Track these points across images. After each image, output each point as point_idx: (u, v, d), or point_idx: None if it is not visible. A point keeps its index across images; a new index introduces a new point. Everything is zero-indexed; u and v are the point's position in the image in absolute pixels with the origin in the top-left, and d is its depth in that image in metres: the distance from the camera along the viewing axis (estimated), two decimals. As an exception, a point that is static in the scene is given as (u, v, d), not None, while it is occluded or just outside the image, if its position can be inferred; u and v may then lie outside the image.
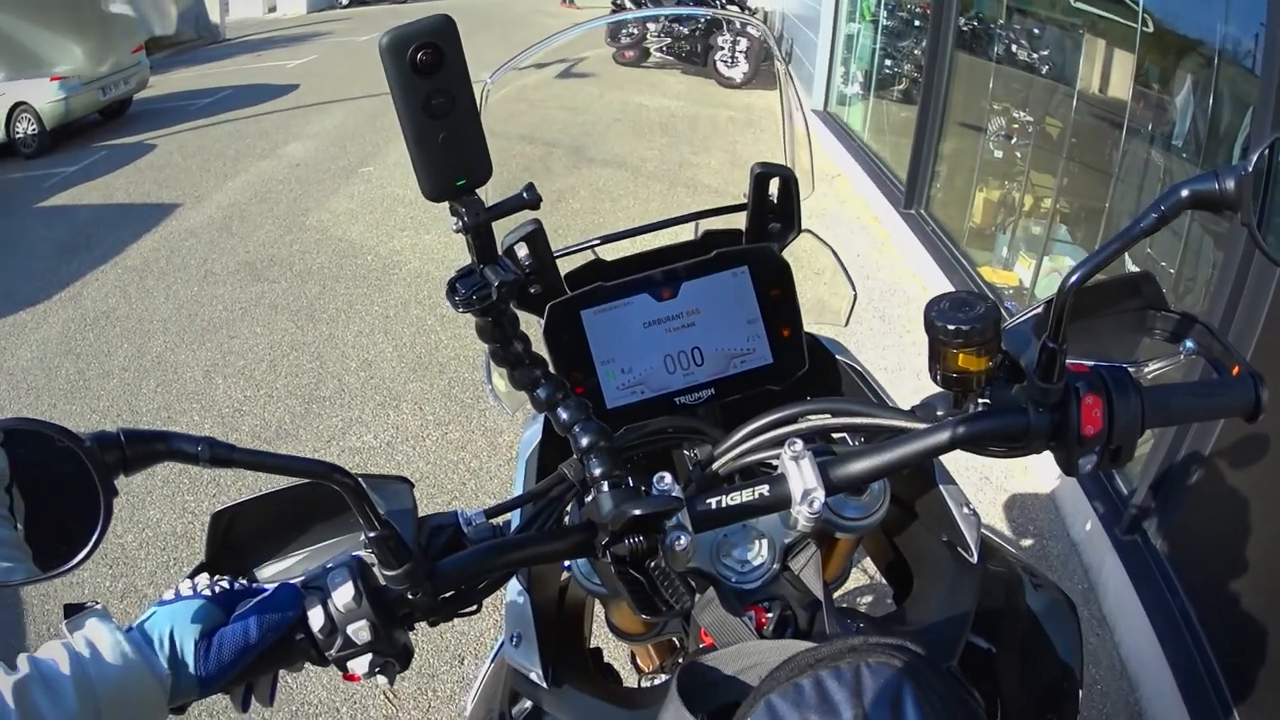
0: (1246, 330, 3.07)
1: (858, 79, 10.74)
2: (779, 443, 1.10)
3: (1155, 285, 1.26)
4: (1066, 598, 1.45)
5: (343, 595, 0.92)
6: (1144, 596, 3.40)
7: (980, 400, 1.07)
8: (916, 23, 8.79)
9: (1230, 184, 0.90)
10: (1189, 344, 1.19)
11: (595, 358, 1.34)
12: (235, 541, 1.14)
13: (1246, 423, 1.06)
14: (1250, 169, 0.90)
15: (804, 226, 1.53)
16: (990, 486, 4.43)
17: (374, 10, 24.28)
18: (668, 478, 1.02)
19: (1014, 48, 6.38)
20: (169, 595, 0.95)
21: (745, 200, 1.52)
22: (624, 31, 14.75)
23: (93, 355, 6.03)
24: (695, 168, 9.38)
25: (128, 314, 6.49)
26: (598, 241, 1.52)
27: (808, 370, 1.47)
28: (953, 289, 1.15)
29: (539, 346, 1.13)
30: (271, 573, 1.15)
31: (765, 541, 1.22)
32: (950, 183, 7.28)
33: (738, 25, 13.85)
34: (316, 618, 0.93)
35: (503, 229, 1.32)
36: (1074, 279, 0.93)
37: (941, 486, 1.36)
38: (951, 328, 1.00)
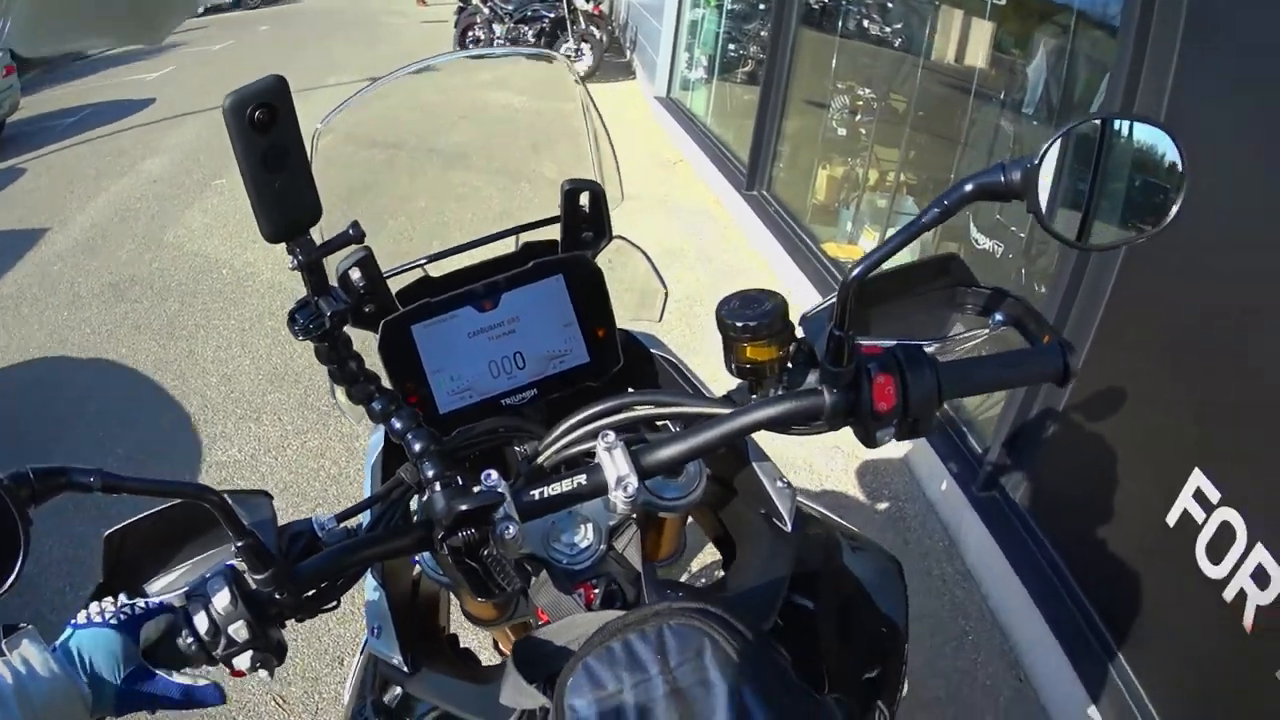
0: (1090, 305, 3.18)
1: (702, 64, 10.81)
2: (595, 435, 1.16)
3: (962, 264, 1.33)
4: (891, 558, 1.56)
5: (221, 600, 1.01)
6: (1007, 549, 3.49)
7: (781, 385, 1.17)
8: (761, 4, 8.84)
9: (1017, 176, 0.96)
10: (998, 316, 1.26)
11: (426, 368, 1.43)
12: (127, 559, 1.20)
13: (1057, 386, 1.14)
14: (1038, 161, 0.95)
15: (615, 233, 1.61)
16: (841, 455, 4.52)
17: (228, 17, 23.78)
18: (493, 474, 1.09)
19: (860, 22, 6.43)
20: (82, 619, 1.02)
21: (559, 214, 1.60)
22: (470, 34, 14.80)
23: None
24: (540, 161, 9.33)
25: (7, 344, 6.29)
26: (425, 261, 1.58)
27: (625, 365, 1.59)
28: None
29: (376, 362, 1.29)
30: (161, 585, 1.21)
31: (590, 525, 1.31)
32: (793, 162, 7.33)
33: (582, 24, 13.98)
34: (201, 622, 1.02)
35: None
36: (854, 273, 0.99)
37: (755, 464, 1.46)
38: (740, 324, 1.13)
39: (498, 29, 14.44)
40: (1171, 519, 2.63)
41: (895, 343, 1.12)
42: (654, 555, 1.50)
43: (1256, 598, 2.30)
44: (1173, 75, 2.81)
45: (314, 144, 1.46)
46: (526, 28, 14.20)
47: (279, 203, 0.91)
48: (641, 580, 1.28)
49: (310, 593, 1.10)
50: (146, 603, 1.05)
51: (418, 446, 1.09)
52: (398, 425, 1.10)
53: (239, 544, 0.99)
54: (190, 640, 1.02)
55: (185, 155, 10.60)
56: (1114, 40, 3.30)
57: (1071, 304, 3.26)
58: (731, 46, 9.78)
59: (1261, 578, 2.29)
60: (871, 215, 5.94)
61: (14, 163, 11.24)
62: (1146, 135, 1.11)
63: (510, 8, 14.39)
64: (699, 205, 8.21)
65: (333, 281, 1.04)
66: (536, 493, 1.11)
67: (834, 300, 1.12)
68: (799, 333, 1.20)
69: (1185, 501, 2.59)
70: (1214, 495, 2.48)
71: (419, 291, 1.53)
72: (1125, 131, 1.11)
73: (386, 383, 1.26)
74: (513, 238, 1.67)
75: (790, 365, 1.19)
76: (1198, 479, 2.54)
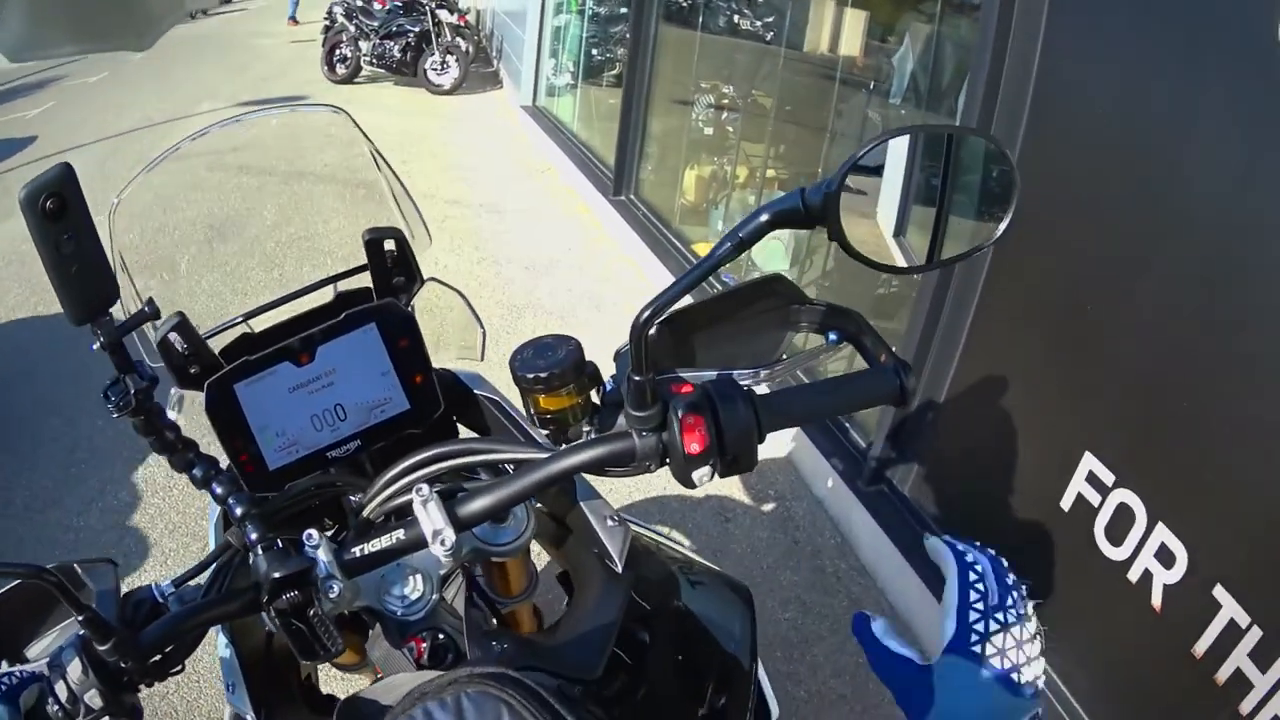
0: (965, 294, 3.21)
1: (567, 70, 10.82)
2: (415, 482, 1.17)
3: (789, 282, 1.29)
4: (737, 587, 1.59)
5: (74, 670, 1.01)
6: (899, 542, 3.52)
7: (593, 426, 1.22)
8: (623, 9, 8.85)
9: (817, 201, 0.93)
10: (833, 335, 1.24)
11: (252, 425, 1.36)
12: (5, 624, 1.20)
13: (895, 408, 1.15)
14: (836, 186, 0.92)
15: (428, 276, 1.61)
16: None
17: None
18: (314, 534, 1.08)
19: (722, 17, 6.40)
20: None
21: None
22: (337, 52, 14.71)
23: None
24: (406, 175, 9.22)
25: None
26: (240, 319, 1.55)
27: (450, 407, 1.56)
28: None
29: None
30: (39, 649, 1.22)
31: (419, 576, 1.29)
32: (660, 164, 7.33)
33: (447, 36, 13.92)
34: (61, 690, 1.01)
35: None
36: (645, 315, 0.96)
37: (582, 502, 1.44)
38: (530, 376, 1.19)
39: (364, 45, 14.37)
40: (1066, 503, 2.64)
41: (715, 374, 1.13)
42: (506, 592, 1.48)
43: (1163, 576, 2.31)
44: (1038, 61, 2.81)
45: (110, 223, 1.44)
46: (392, 43, 14.10)
47: (78, 286, 0.96)
48: (478, 631, 1.29)
49: (156, 658, 1.09)
50: (20, 671, 1.04)
51: (238, 511, 1.12)
52: (218, 490, 1.15)
53: (79, 618, 0.99)
54: (56, 709, 1.02)
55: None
56: (979, 24, 3.28)
57: (945, 294, 3.26)
58: (595, 51, 9.79)
59: (1166, 557, 2.30)
60: (742, 213, 5.78)
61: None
62: (972, 144, 1.18)
63: (375, 24, 14.28)
64: (568, 214, 8.20)
65: (145, 354, 1.12)
66: (358, 550, 1.09)
67: (651, 333, 1.10)
68: (611, 370, 1.24)
69: (1079, 485, 2.59)
70: (1108, 478, 2.49)
71: (242, 349, 1.49)
72: (943, 143, 1.17)
73: (217, 444, 1.30)
74: (329, 290, 1.64)
75: (602, 405, 1.24)
76: (1090, 462, 2.55)
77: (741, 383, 1.06)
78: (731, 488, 4.35)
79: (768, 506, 4.22)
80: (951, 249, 1.11)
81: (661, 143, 7.29)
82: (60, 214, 0.91)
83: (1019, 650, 0.89)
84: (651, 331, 1.00)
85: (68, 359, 5.94)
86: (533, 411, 1.23)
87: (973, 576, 0.95)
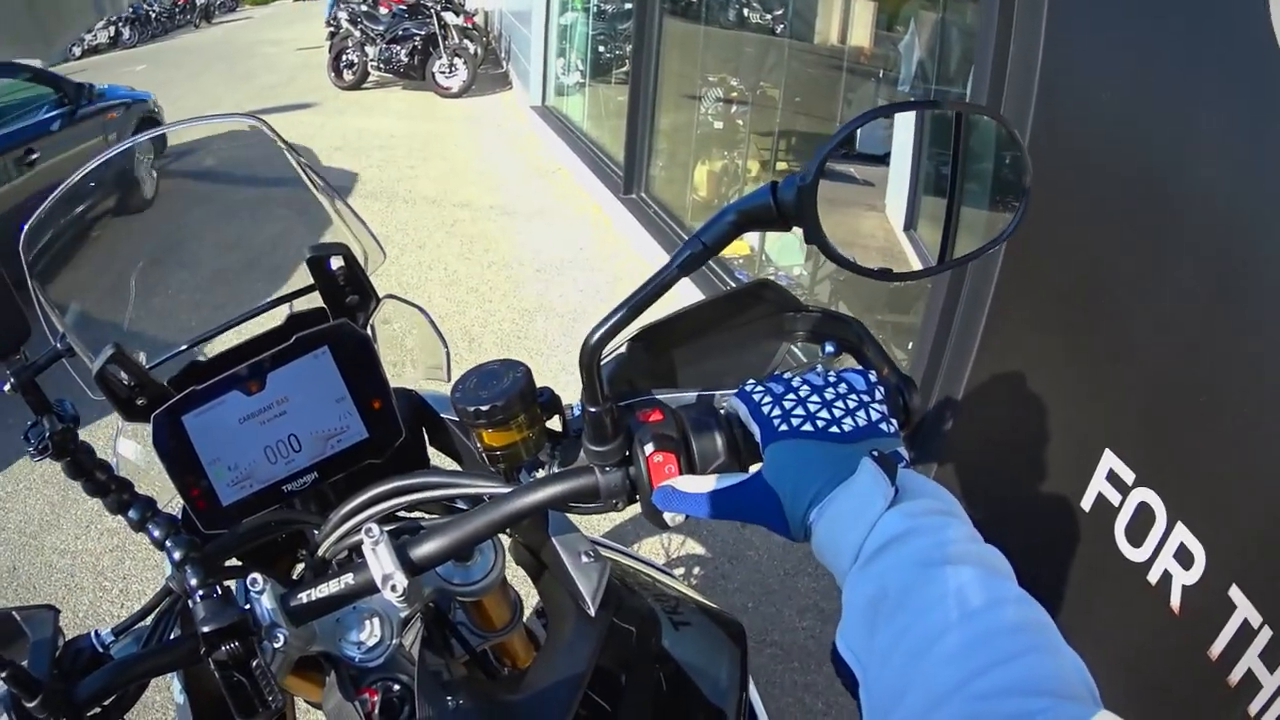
0: (980, 288, 3.15)
1: (576, 68, 10.83)
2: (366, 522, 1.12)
3: (779, 288, 1.17)
4: (727, 623, 1.50)
5: None
6: None
7: (554, 460, 1.11)
8: (628, 5, 8.78)
9: (790, 198, 0.84)
10: (830, 346, 1.13)
11: (203, 459, 1.28)
12: None
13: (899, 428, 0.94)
14: (811, 178, 0.82)
15: (384, 294, 1.49)
16: None
17: (106, 58, 23.19)
18: (259, 579, 1.03)
19: (725, 11, 6.36)
20: None
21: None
22: (343, 59, 14.75)
23: None
24: (414, 180, 9.24)
25: None
26: (185, 346, 1.46)
27: (419, 431, 1.51)
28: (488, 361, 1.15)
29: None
30: None
31: (378, 620, 1.21)
32: (671, 160, 7.31)
33: (455, 39, 13.93)
34: None
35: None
36: (594, 339, 0.89)
37: (554, 537, 1.36)
38: (472, 409, 1.05)
39: (370, 51, 14.45)
40: (1087, 503, 2.57)
41: (696, 394, 1.07)
42: (488, 626, 1.41)
43: (1181, 578, 2.24)
44: (1043, 40, 2.75)
45: (23, 253, 1.35)
46: (398, 47, 14.14)
47: None
48: (431, 683, 1.20)
49: (95, 711, 1.03)
50: None
51: (176, 555, 1.07)
52: (155, 533, 1.10)
53: (2, 676, 0.92)
54: None
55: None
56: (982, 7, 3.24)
57: (960, 288, 3.21)
58: (603, 48, 9.80)
59: (1185, 557, 2.23)
60: (755, 208, 5.80)
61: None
62: (982, 130, 1.07)
63: (380, 28, 14.34)
64: (580, 214, 8.18)
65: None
66: (305, 595, 1.04)
67: (621, 348, 1.09)
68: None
69: (1100, 484, 2.52)
70: (1129, 476, 2.41)
71: (192, 378, 1.39)
72: (950, 128, 1.04)
73: (163, 477, 1.25)
74: (281, 310, 1.55)
75: (565, 434, 1.13)
76: (1110, 460, 2.47)
77: (724, 404, 1.00)
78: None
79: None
80: (964, 245, 1.02)
81: (671, 139, 7.26)
82: None
83: (828, 409, 0.87)
84: (612, 354, 1.00)
85: (63, 373, 5.91)
86: (479, 448, 1.12)
87: (751, 388, 0.93)
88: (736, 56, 6.32)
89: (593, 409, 0.94)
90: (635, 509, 0.99)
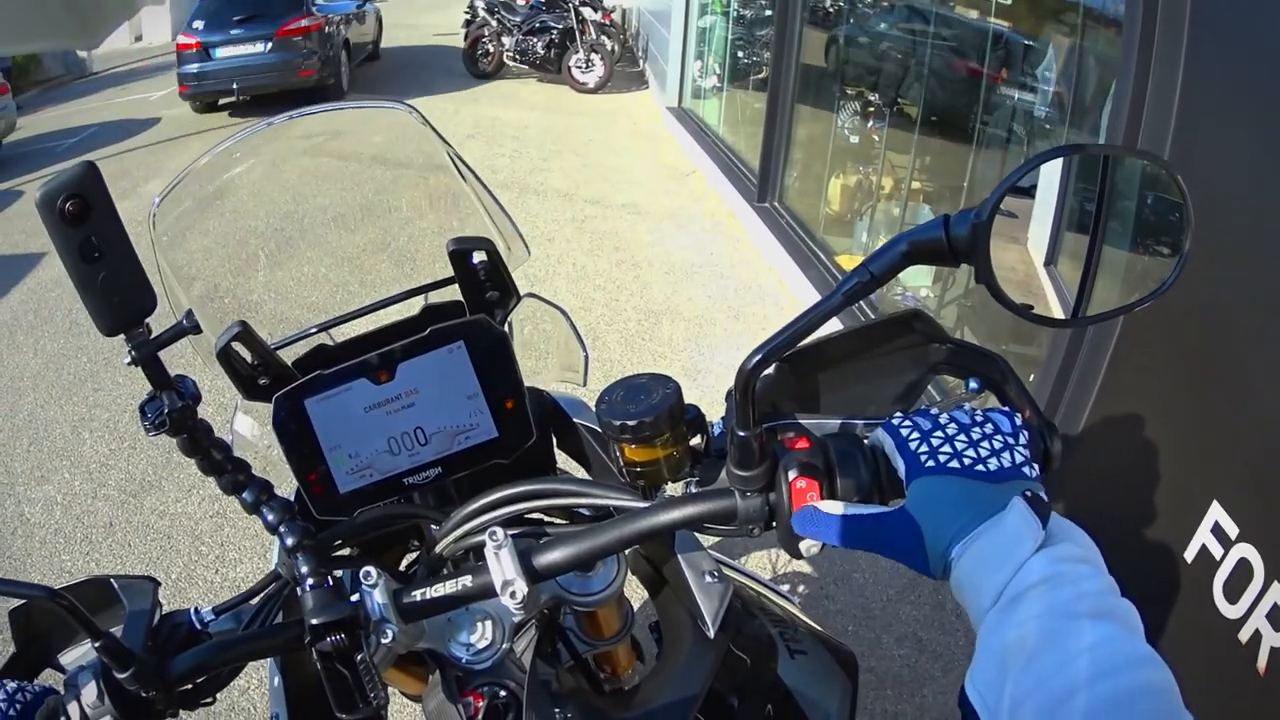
0: (1103, 333, 3.09)
1: (713, 72, 10.76)
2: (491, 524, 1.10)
3: (928, 319, 1.13)
4: (841, 654, 1.46)
5: (88, 695, 0.98)
6: None
7: (694, 479, 1.09)
8: (768, 11, 8.70)
9: (963, 233, 0.83)
10: (974, 383, 1.08)
11: (323, 444, 1.30)
12: (36, 633, 1.16)
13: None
14: (986, 215, 0.82)
15: (525, 292, 1.49)
16: None
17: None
18: (373, 573, 1.02)
19: (866, 25, 6.31)
20: None
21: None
22: (479, 47, 14.89)
23: (-33, 416, 5.88)
24: (546, 172, 9.29)
25: (0, 373, 6.29)
26: (315, 329, 1.48)
27: (547, 431, 1.51)
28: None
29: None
30: (72, 657, 1.17)
31: (490, 623, 1.21)
32: (805, 171, 7.25)
33: (592, 34, 13.91)
34: (74, 712, 0.98)
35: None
36: (753, 362, 0.89)
37: (680, 554, 1.34)
38: (618, 423, 1.04)
39: (506, 41, 14.51)
40: (1190, 554, 2.53)
41: (839, 422, 1.05)
42: (597, 635, 1.38)
43: (1271, 639, 2.20)
44: (1181, 75, 2.71)
45: (151, 225, 1.39)
46: (535, 39, 14.20)
47: (106, 295, 0.90)
48: (541, 689, 1.22)
49: (186, 687, 1.05)
50: (33, 687, 1.03)
51: (290, 541, 1.05)
52: (269, 518, 1.07)
53: (95, 645, 0.94)
54: None
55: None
56: (1121, 38, 3.19)
57: (1083, 334, 3.17)
58: (741, 54, 9.73)
59: (1277, 618, 2.19)
60: (886, 225, 5.83)
61: (11, 185, 11.28)
62: (1139, 170, 1.03)
63: (518, 19, 14.42)
64: (711, 218, 8.10)
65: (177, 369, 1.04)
66: (419, 594, 1.03)
67: (767, 370, 1.02)
68: (720, 413, 1.12)
69: (1203, 536, 2.48)
70: (1232, 530, 2.37)
71: (317, 361, 1.42)
72: (1098, 165, 1.04)
73: (279, 459, 1.27)
74: (417, 300, 1.57)
75: (706, 454, 1.11)
76: (1216, 512, 2.43)
77: (867, 435, 0.99)
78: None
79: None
80: (1104, 295, 1.03)
81: (806, 149, 7.20)
82: (82, 217, 0.86)
83: (974, 448, 0.86)
84: (764, 375, 0.95)
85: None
86: (620, 462, 1.10)
87: (899, 422, 0.92)
88: (875, 71, 6.23)
89: (742, 433, 0.93)
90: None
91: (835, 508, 0.90)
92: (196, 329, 1.03)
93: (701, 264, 7.00)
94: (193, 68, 13.04)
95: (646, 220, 7.97)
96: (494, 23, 14.62)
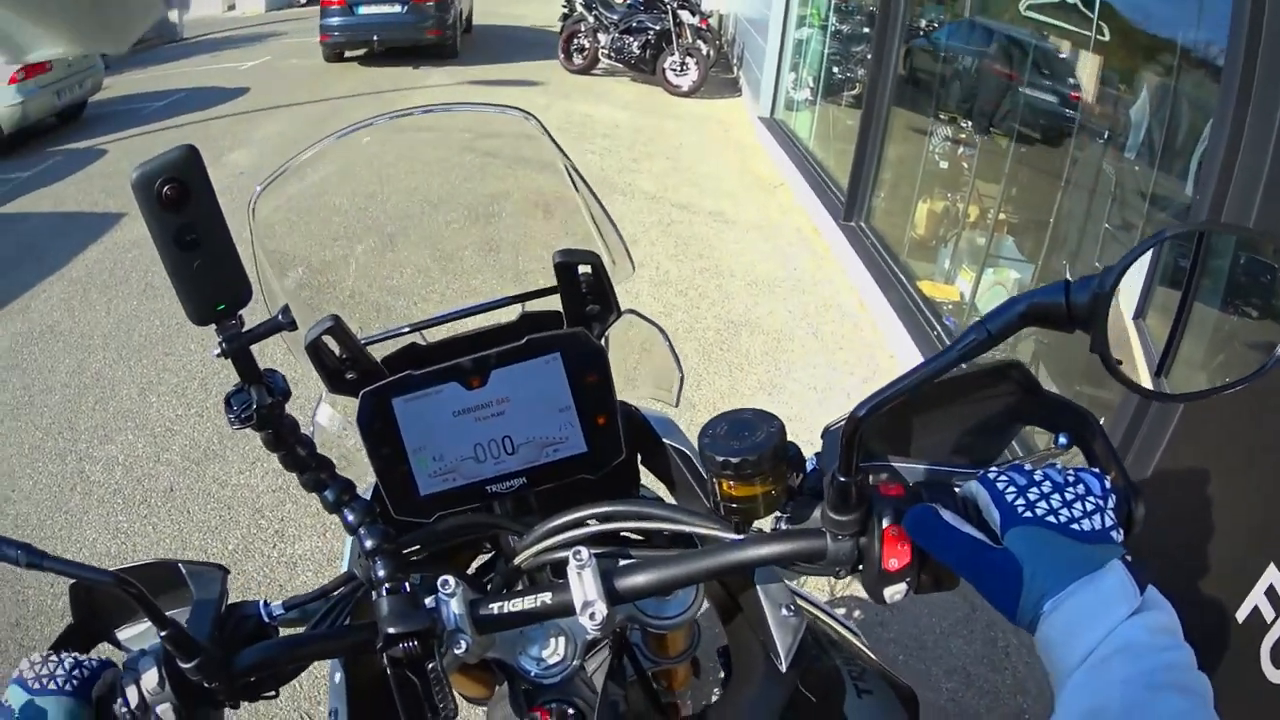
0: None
1: (807, 84, 10.69)
2: (573, 543, 1.12)
3: (1025, 371, 1.13)
4: (905, 694, 1.41)
5: (149, 680, 0.99)
6: None
7: (785, 515, 1.08)
8: (865, 29, 8.68)
9: (1083, 301, 0.83)
10: (1063, 439, 1.07)
11: (407, 445, 1.31)
12: (97, 608, 1.16)
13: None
14: (1110, 285, 0.82)
15: (627, 308, 1.46)
16: None
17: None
18: (451, 582, 1.04)
19: (963, 50, 6.29)
20: (29, 675, 0.99)
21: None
22: (574, 42, 14.94)
23: (37, 370, 5.93)
24: (634, 173, 9.30)
25: (71, 329, 6.39)
26: (407, 329, 1.47)
27: (634, 449, 1.51)
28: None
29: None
30: (130, 634, 1.18)
31: (563, 639, 1.23)
32: (893, 193, 7.21)
33: (688, 38, 13.85)
34: (132, 695, 0.99)
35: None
36: (863, 411, 0.89)
37: (759, 586, 1.31)
38: (720, 459, 1.01)
39: (602, 38, 14.53)
40: (1242, 614, 2.53)
41: (928, 467, 1.04)
42: (663, 653, 1.42)
43: None
44: (1274, 145, 2.72)
45: (251, 214, 1.39)
46: (631, 39, 14.18)
47: (200, 283, 0.90)
48: (613, 710, 1.26)
49: (249, 679, 1.06)
50: (91, 661, 1.03)
51: (369, 544, 1.06)
52: (350, 518, 1.08)
53: (162, 634, 0.96)
54: (124, 711, 1.00)
55: (274, 149, 10.62)
56: (1218, 83, 3.20)
57: (1134, 436, 3.20)
58: (836, 69, 9.66)
59: None
60: (970, 254, 5.79)
61: (95, 143, 11.51)
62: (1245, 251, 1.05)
63: (615, 17, 14.42)
64: (797, 232, 8.07)
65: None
66: (497, 606, 1.06)
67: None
68: (814, 450, 1.12)
69: (1257, 598, 2.48)
70: None
71: (408, 361, 1.43)
72: (1218, 247, 1.02)
73: (361, 458, 1.28)
74: (513, 307, 1.55)
75: (800, 491, 1.09)
76: (1272, 575, 2.44)
77: (959, 485, 0.99)
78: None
79: (951, 573, 4.09)
80: (1190, 360, 1.02)
81: (896, 171, 7.18)
82: (181, 202, 0.85)
83: (1068, 508, 0.87)
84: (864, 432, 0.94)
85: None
86: (717, 496, 1.07)
87: (995, 476, 0.93)
88: (970, 98, 6.22)
89: (843, 479, 0.94)
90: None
91: (954, 520, 0.92)
92: (292, 325, 1.02)
93: (784, 278, 7.01)
94: (336, 20, 15.71)
95: (732, 229, 7.96)
96: (591, 18, 14.66)
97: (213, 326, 0.95)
